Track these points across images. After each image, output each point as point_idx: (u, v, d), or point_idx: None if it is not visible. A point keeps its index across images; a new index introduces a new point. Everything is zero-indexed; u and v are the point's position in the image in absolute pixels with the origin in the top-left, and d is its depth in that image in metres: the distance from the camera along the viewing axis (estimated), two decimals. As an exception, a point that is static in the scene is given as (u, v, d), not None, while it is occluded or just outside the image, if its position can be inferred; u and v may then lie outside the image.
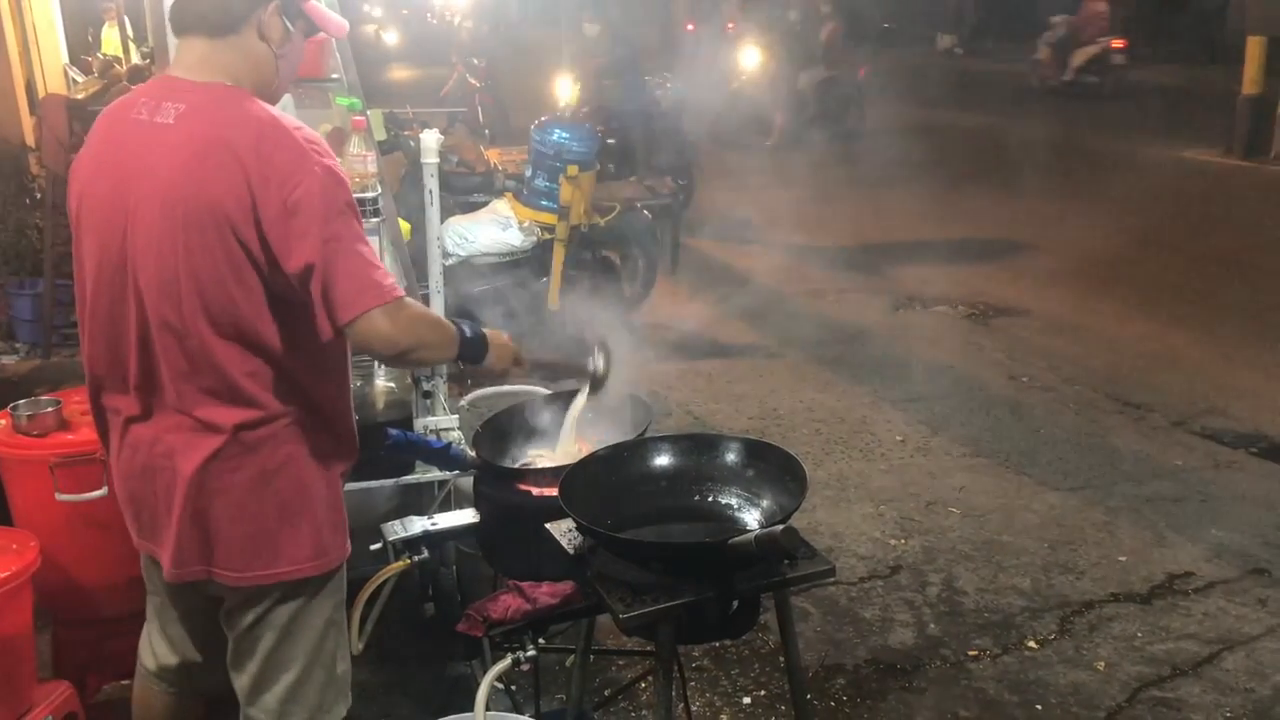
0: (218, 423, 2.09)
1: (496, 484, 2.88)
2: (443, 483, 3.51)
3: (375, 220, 3.46)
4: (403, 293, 2.06)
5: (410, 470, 3.35)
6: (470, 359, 2.35)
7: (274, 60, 2.18)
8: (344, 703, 2.40)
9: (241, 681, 2.32)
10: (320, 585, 2.28)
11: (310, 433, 2.19)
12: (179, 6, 2.12)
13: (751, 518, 2.44)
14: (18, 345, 6.09)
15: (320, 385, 2.20)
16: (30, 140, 6.40)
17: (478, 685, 2.35)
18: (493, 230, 6.18)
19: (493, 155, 7.22)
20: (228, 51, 2.12)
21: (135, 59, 7.94)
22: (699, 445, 2.59)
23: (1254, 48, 12.40)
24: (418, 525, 2.79)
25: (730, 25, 14.59)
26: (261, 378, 2.08)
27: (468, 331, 2.30)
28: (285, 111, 4.26)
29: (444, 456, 2.97)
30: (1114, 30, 17.24)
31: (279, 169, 1.97)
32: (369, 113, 3.56)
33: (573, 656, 2.80)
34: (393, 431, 2.96)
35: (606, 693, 3.42)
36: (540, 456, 3.03)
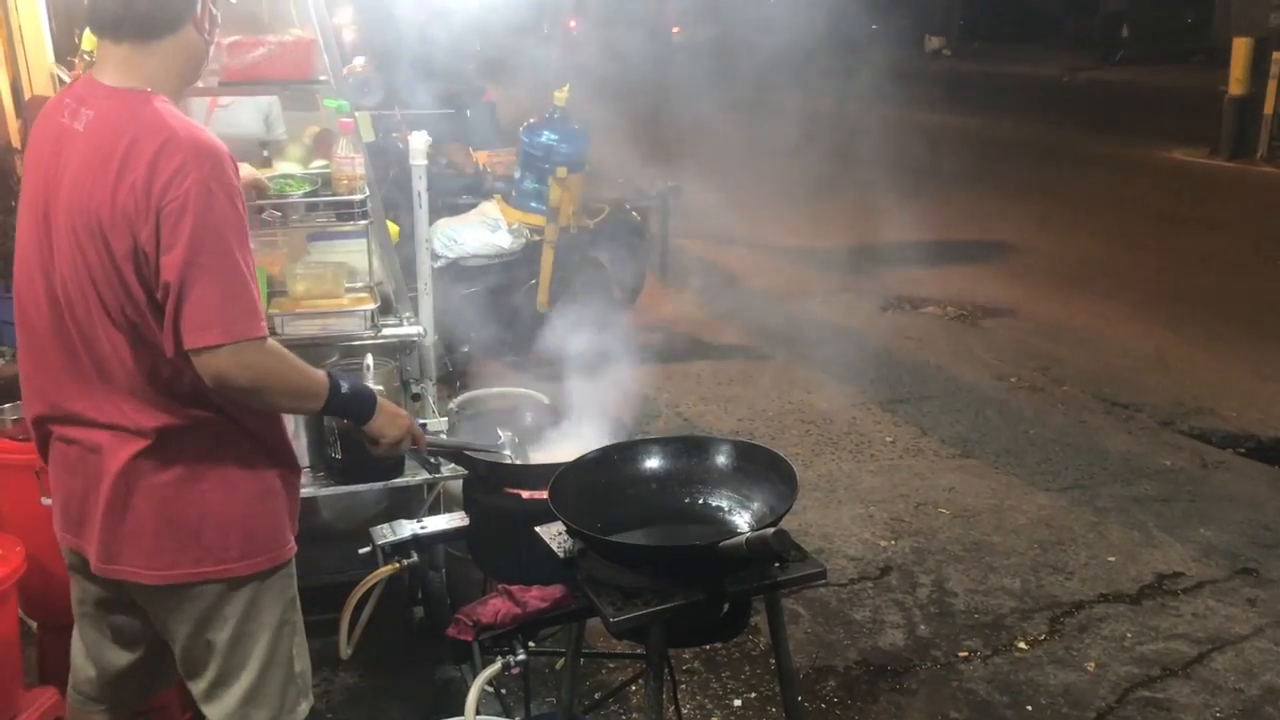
0: (140, 425, 2.09)
1: (486, 486, 2.87)
2: (431, 485, 3.50)
3: (363, 223, 3.45)
4: (261, 332, 2.00)
5: (399, 473, 3.34)
6: (348, 417, 2.30)
7: (206, 48, 2.17)
8: (306, 701, 2.40)
9: (198, 688, 2.31)
10: (260, 585, 2.25)
11: (237, 438, 2.18)
12: (109, 12, 2.05)
13: (742, 520, 2.43)
14: (2, 348, 6.05)
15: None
16: (15, 142, 6.36)
17: (467, 689, 2.34)
18: (481, 232, 6.16)
19: (481, 157, 7.20)
20: (157, 53, 2.07)
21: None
22: (689, 447, 2.58)
23: (1240, 48, 12.45)
24: (406, 529, 2.77)
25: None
26: (174, 383, 2.06)
27: (344, 387, 2.22)
28: (271, 112, 4.25)
29: None
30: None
31: (162, 180, 1.94)
32: (357, 115, 3.55)
33: (563, 660, 2.80)
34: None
35: (597, 696, 3.41)
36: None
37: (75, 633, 2.44)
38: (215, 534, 2.17)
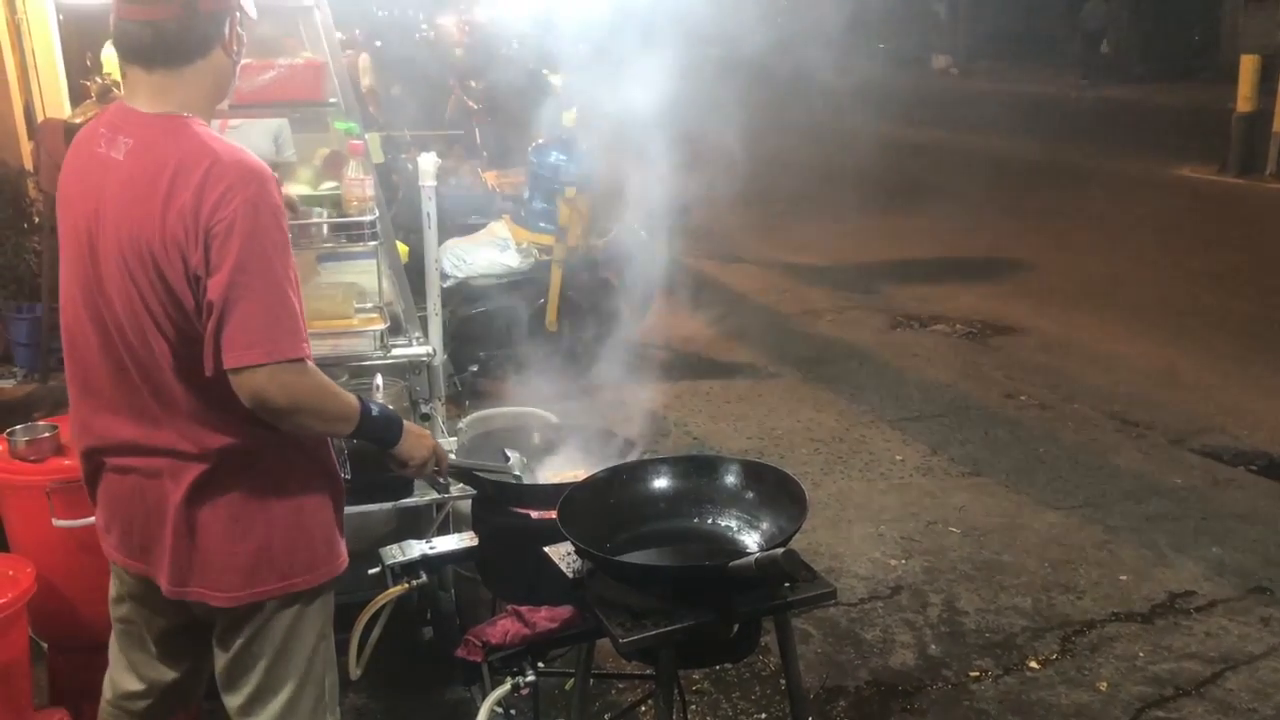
0: (202, 448, 2.10)
1: (494, 507, 2.87)
2: (440, 505, 3.50)
3: (373, 244, 3.47)
4: (302, 353, 2.01)
5: (408, 493, 3.35)
6: (377, 441, 2.30)
7: (234, 69, 2.19)
8: (332, 716, 2.40)
9: (235, 701, 2.32)
10: (312, 599, 2.28)
11: (294, 455, 2.20)
12: (140, 40, 2.06)
13: (751, 540, 2.43)
14: (15, 369, 6.08)
15: None
16: (28, 164, 6.41)
17: (477, 710, 2.34)
18: (490, 252, 6.19)
19: (490, 177, 7.24)
20: (190, 77, 2.09)
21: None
22: (698, 467, 2.58)
23: (1248, 66, 12.46)
24: (416, 549, 2.78)
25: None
26: (232, 405, 2.06)
27: (375, 410, 2.24)
28: (281, 134, 4.25)
29: None
30: None
31: (210, 203, 1.96)
32: (367, 136, 3.57)
33: (572, 680, 2.79)
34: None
35: (607, 717, 3.40)
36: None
37: (115, 650, 2.45)
38: (282, 551, 2.19)
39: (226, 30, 2.12)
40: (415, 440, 2.37)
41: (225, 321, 1.96)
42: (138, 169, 2.02)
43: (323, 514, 2.27)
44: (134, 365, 2.09)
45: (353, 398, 2.18)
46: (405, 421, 2.36)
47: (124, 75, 2.12)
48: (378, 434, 2.28)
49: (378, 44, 10.68)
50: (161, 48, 2.06)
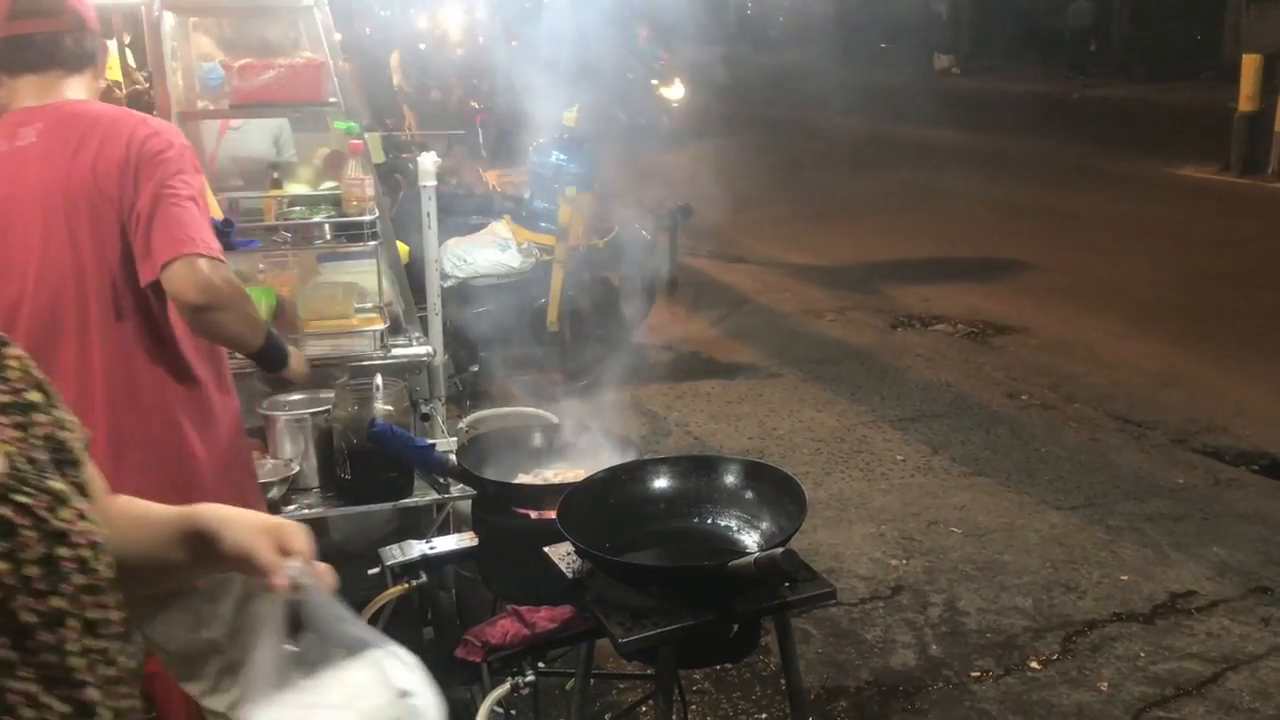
0: (133, 432, 2.19)
1: (494, 507, 2.87)
2: (441, 506, 3.50)
3: (372, 243, 3.47)
4: (223, 257, 2.19)
5: (408, 493, 3.34)
6: (274, 359, 2.49)
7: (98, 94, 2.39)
8: None
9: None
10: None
11: (223, 405, 2.38)
12: (41, 48, 2.22)
13: (751, 540, 2.42)
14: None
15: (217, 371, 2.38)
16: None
17: (477, 710, 2.34)
18: (491, 252, 6.18)
19: (491, 177, 7.24)
20: (85, 78, 2.29)
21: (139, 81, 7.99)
22: (698, 467, 2.58)
23: (1250, 65, 12.45)
24: (415, 549, 2.78)
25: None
26: (160, 389, 2.19)
27: (274, 332, 2.49)
28: (281, 134, 4.25)
29: (425, 455, 2.93)
30: None
31: (139, 141, 2.15)
32: (367, 136, 3.57)
33: (572, 681, 2.79)
34: (378, 421, 2.94)
35: (607, 717, 3.40)
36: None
37: None
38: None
39: (100, 58, 2.34)
40: (298, 358, 2.60)
41: (154, 225, 2.11)
42: (57, 138, 2.16)
43: (253, 486, 2.47)
44: (74, 341, 2.17)
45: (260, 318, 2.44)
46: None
47: (14, 88, 2.24)
48: (276, 351, 2.48)
49: (421, 46, 10.65)
50: (60, 54, 2.24)
